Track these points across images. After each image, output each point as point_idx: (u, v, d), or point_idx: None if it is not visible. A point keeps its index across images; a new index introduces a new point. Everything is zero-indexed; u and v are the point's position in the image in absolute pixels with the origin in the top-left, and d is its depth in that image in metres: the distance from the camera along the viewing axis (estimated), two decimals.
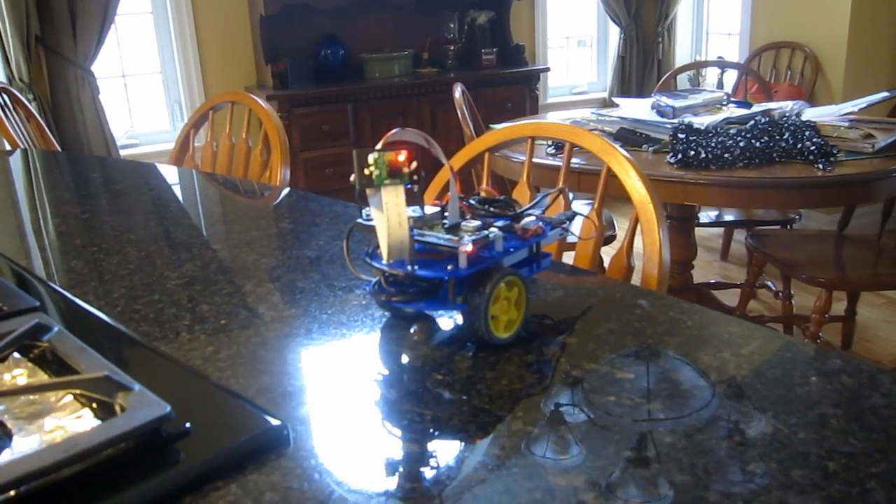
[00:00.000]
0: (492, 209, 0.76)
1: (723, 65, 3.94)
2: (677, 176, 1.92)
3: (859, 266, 2.42)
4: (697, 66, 3.72)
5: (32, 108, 2.84)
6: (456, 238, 0.68)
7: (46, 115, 3.20)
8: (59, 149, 2.89)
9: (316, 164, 3.52)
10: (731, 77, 3.86)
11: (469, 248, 0.67)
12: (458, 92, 2.69)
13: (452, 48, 3.93)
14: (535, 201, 0.78)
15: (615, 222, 2.76)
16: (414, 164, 0.65)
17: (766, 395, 0.61)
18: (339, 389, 0.66)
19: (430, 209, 0.74)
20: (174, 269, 0.97)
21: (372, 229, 0.71)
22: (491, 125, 2.69)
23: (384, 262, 0.68)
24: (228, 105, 1.78)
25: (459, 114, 2.62)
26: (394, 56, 3.81)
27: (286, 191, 1.38)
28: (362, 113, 3.58)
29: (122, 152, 3.49)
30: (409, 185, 0.66)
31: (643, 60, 4.55)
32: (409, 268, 0.67)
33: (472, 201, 0.77)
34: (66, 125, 3.26)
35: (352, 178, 0.65)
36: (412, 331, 0.76)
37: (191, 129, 1.84)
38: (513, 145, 1.33)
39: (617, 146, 1.06)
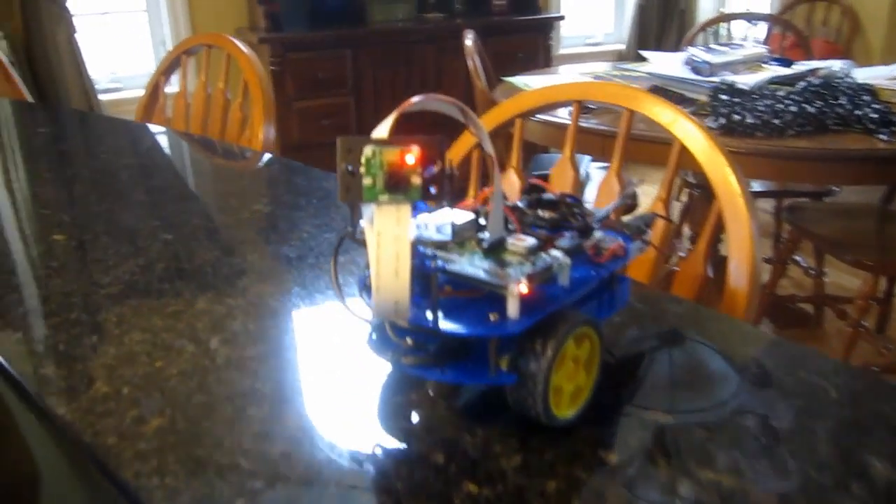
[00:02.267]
0: (544, 215, 0.52)
1: (753, 17, 3.64)
2: (719, 143, 1.67)
3: None
4: (726, 19, 3.42)
5: (3, 46, 2.56)
6: (502, 271, 0.44)
7: (19, 55, 2.91)
8: (26, 93, 2.62)
9: (311, 114, 3.24)
10: (758, 33, 3.56)
11: (524, 288, 0.43)
12: (469, 40, 2.41)
13: None
14: (615, 203, 0.53)
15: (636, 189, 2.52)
16: (435, 168, 0.40)
17: None
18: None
19: (459, 215, 0.49)
20: (108, 271, 0.73)
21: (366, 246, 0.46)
22: (504, 77, 2.42)
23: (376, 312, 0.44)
24: (204, 49, 1.52)
25: (471, 64, 2.35)
26: None
27: (267, 157, 1.14)
28: (362, 59, 3.29)
29: (103, 97, 3.21)
30: (420, 207, 0.42)
31: (664, 11, 4.24)
32: (428, 319, 0.43)
33: (520, 204, 0.52)
34: (39, 67, 2.98)
35: (338, 183, 0.40)
36: (429, 390, 0.52)
37: (161, 77, 1.57)
38: (552, 110, 1.08)
39: (693, 119, 0.81)
